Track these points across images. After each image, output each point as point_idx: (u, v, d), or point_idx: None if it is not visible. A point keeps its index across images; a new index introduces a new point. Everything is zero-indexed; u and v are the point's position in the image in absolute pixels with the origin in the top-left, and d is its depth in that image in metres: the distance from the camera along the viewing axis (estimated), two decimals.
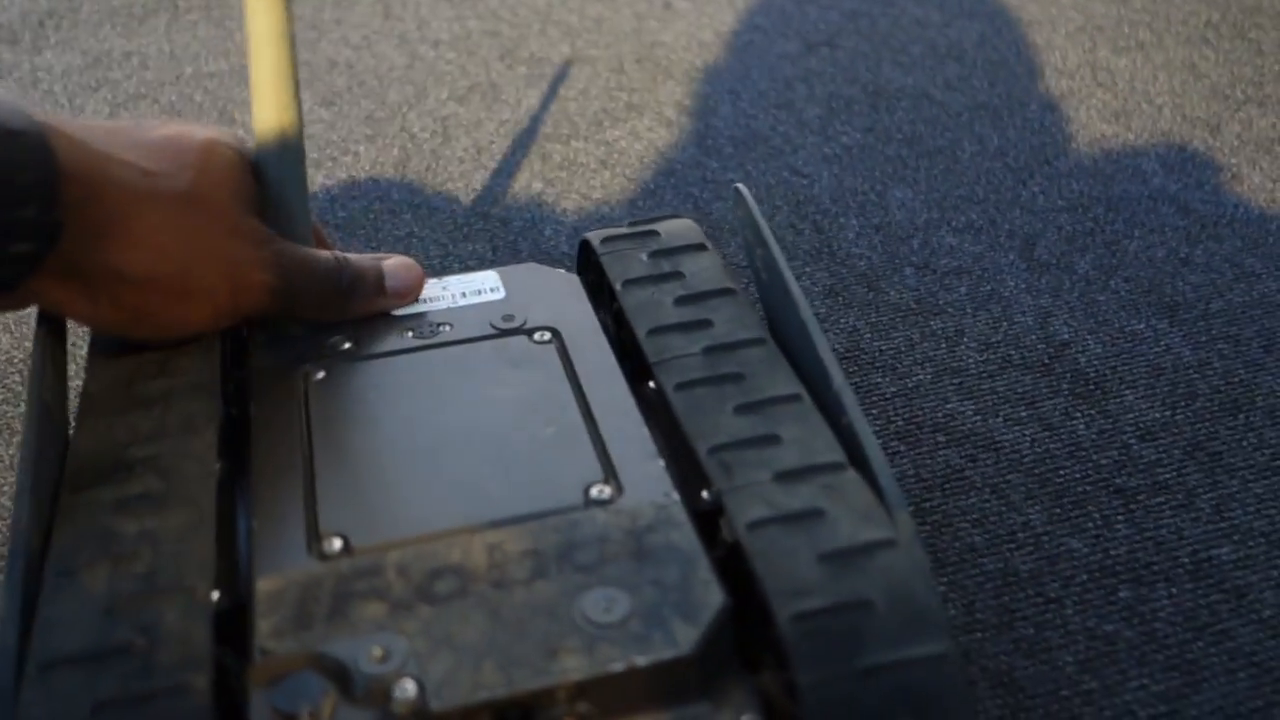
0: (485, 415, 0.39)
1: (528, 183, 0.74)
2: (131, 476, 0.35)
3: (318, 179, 0.74)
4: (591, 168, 0.75)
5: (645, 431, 0.38)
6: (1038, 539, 0.48)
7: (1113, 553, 0.47)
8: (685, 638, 0.30)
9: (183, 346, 0.40)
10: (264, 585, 0.32)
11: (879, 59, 0.90)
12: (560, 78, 0.87)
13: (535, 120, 0.81)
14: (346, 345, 0.42)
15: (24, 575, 0.31)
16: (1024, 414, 0.55)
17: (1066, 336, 0.60)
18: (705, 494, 0.35)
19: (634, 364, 0.42)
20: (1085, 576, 0.46)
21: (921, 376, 0.57)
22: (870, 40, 0.93)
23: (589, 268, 0.48)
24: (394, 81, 0.87)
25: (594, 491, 0.35)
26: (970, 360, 0.58)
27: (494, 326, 0.43)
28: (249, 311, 0.41)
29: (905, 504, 0.33)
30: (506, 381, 0.40)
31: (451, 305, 0.44)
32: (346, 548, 0.33)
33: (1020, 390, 0.56)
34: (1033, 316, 0.61)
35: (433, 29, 0.96)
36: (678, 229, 0.47)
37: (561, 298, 0.45)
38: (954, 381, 0.57)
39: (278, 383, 0.40)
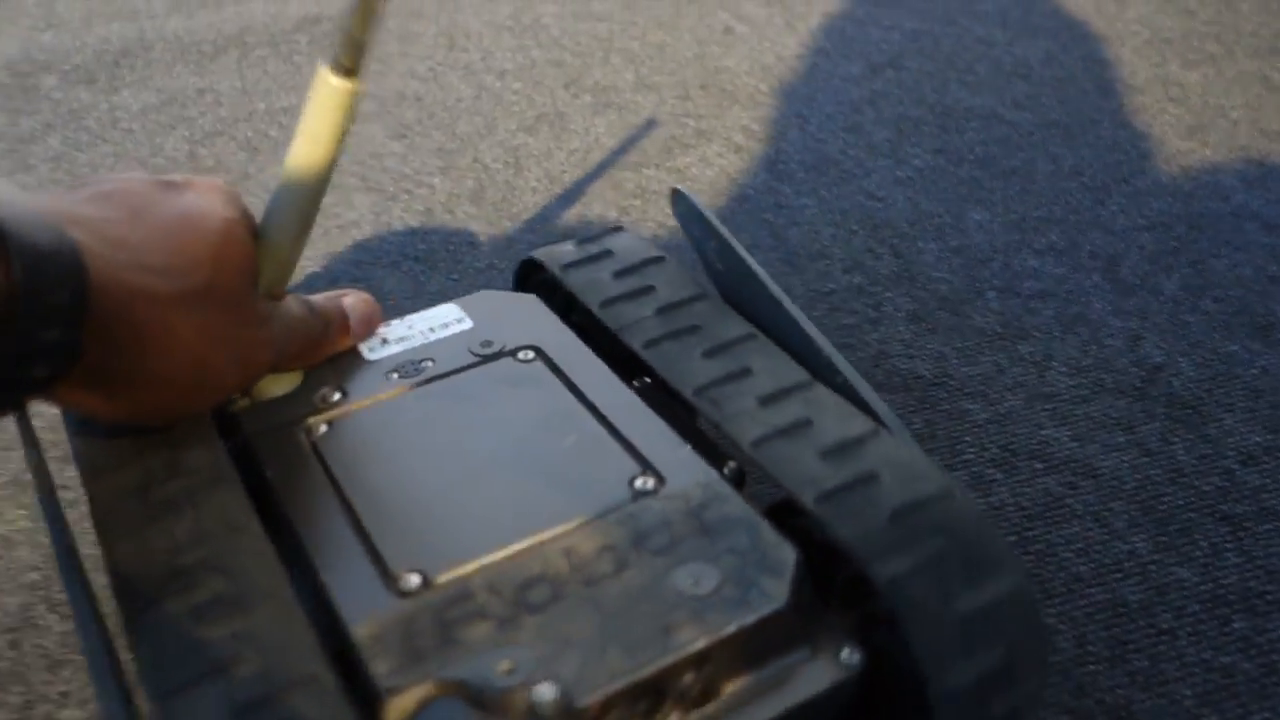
0: (503, 436, 0.40)
1: (603, 212, 0.74)
2: (195, 584, 0.33)
3: (395, 211, 0.75)
4: (665, 195, 0.76)
5: (662, 423, 0.40)
6: (1144, 568, 0.48)
7: (1224, 582, 0.47)
8: (777, 592, 0.33)
9: (181, 437, 0.39)
10: (361, 631, 0.32)
11: (945, 79, 0.90)
12: (626, 106, 0.88)
13: (604, 149, 0.82)
14: (337, 396, 0.42)
15: (124, 709, 0.29)
16: (1121, 439, 0.54)
17: (1159, 359, 0.59)
18: (726, 470, 0.38)
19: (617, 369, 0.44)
20: (1197, 607, 0.46)
21: (1013, 402, 0.57)
22: (934, 60, 0.93)
23: (537, 287, 0.49)
24: (463, 113, 0.88)
25: (638, 484, 0.37)
26: (1061, 385, 0.58)
27: (475, 354, 0.44)
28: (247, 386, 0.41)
29: (889, 408, 0.39)
30: (510, 402, 0.41)
31: (425, 341, 0.45)
32: (425, 582, 0.34)
33: (1115, 415, 0.55)
34: (1122, 339, 0.60)
35: (497, 59, 0.96)
36: (630, 244, 0.49)
37: (528, 318, 0.46)
38: (1047, 407, 0.56)
39: (281, 444, 0.40)
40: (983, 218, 0.72)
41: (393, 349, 0.44)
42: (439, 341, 0.45)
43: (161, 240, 0.36)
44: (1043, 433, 0.55)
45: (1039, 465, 0.53)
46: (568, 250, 0.49)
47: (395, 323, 0.46)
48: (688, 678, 0.32)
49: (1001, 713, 0.33)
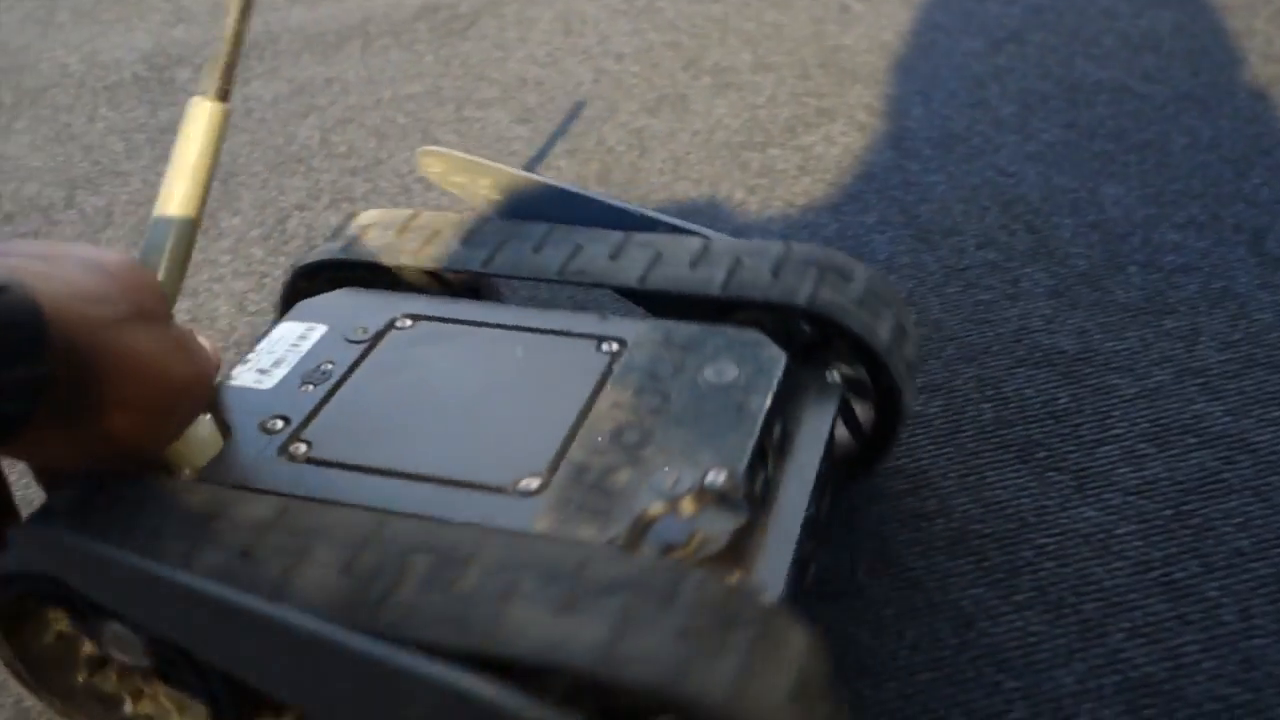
0: (466, 375, 0.43)
1: (730, 192, 0.75)
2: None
3: None
4: (791, 174, 0.76)
5: (567, 311, 0.49)
6: None
7: None
8: (776, 354, 0.42)
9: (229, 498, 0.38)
10: (542, 525, 0.35)
11: (1070, 53, 0.88)
12: (746, 86, 0.88)
13: (727, 129, 0.82)
14: (280, 424, 0.41)
15: None
16: (1278, 414, 0.53)
17: None
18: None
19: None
20: None
21: (1161, 377, 0.56)
22: (1058, 34, 0.91)
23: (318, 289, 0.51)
24: (584, 96, 0.89)
25: (604, 348, 0.44)
26: (1211, 360, 0.57)
27: (359, 341, 0.45)
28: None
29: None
30: (438, 355, 0.45)
31: (301, 354, 0.45)
32: (540, 479, 0.37)
33: (1270, 390, 0.54)
34: (1272, 314, 0.59)
35: (614, 43, 0.97)
36: (374, 219, 0.54)
37: (367, 300, 0.48)
38: (1197, 382, 0.55)
39: (282, 471, 0.39)
40: (1118, 192, 0.71)
41: (281, 370, 0.44)
42: (314, 349, 0.45)
43: (84, 274, 0.35)
44: (1194, 407, 0.54)
45: (1192, 440, 0.52)
46: (331, 246, 0.52)
47: (255, 354, 0.45)
48: (774, 429, 0.40)
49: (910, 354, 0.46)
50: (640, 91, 0.89)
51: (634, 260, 0.48)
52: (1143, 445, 0.52)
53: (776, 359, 0.42)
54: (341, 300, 0.49)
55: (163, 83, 0.98)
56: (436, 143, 0.85)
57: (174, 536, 0.35)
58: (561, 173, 0.79)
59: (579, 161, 0.80)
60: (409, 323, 0.46)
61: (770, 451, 0.40)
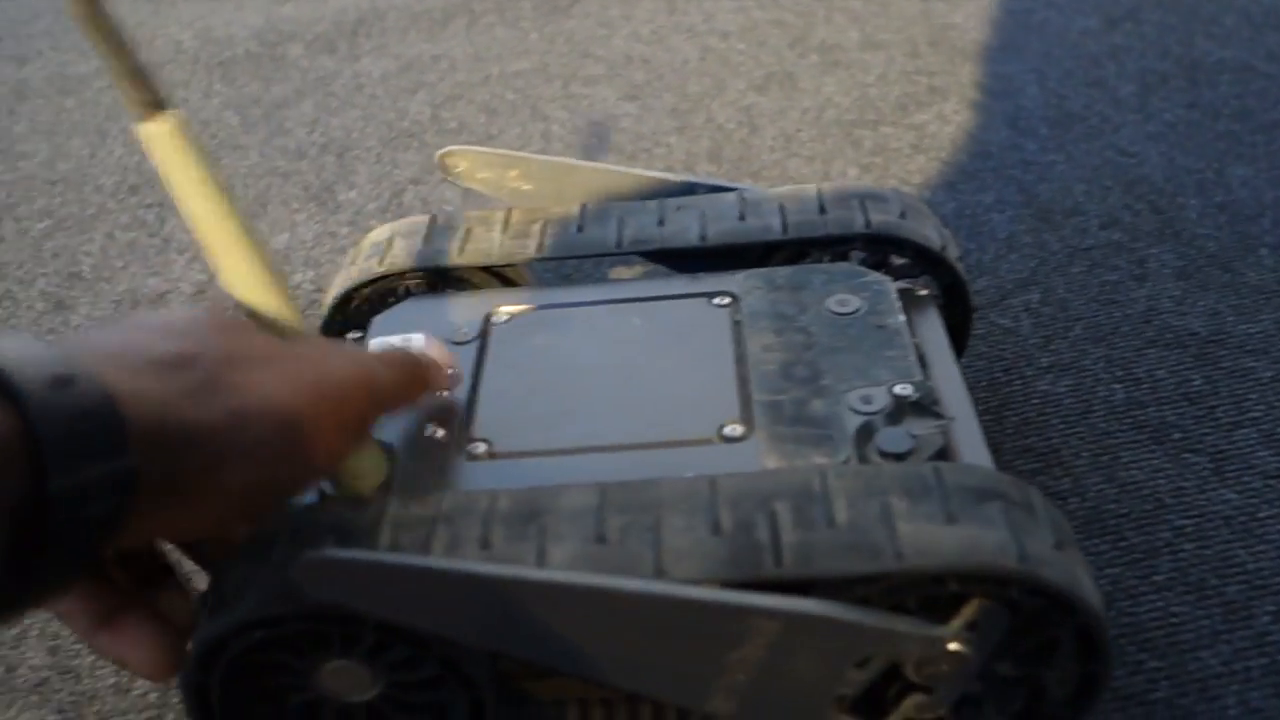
0: (604, 351, 0.44)
1: (844, 169, 0.74)
2: None
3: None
4: (905, 153, 0.76)
5: (662, 277, 0.49)
6: None
7: None
8: (883, 278, 0.44)
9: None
10: (771, 463, 0.37)
11: (1189, 31, 0.86)
12: (854, 64, 0.88)
13: (838, 107, 0.82)
14: (440, 432, 0.40)
15: None
16: None
17: None
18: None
19: None
20: None
21: None
22: (1176, 12, 0.89)
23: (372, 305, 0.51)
24: (691, 73, 0.89)
25: (717, 301, 0.45)
26: None
27: (462, 341, 0.45)
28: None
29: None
30: (560, 334, 0.45)
31: None
32: (739, 426, 0.38)
33: None
34: None
35: (719, 21, 0.97)
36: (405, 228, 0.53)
37: (448, 303, 0.48)
38: None
39: (468, 470, 0.39)
40: (1246, 173, 0.69)
41: None
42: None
43: (160, 341, 0.31)
44: None
45: None
46: (369, 265, 0.50)
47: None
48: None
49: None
50: (747, 69, 0.89)
51: (684, 222, 0.49)
52: None
53: (884, 282, 0.44)
54: (419, 308, 0.48)
55: (274, 59, 1.00)
56: (546, 119, 0.85)
57: (464, 539, 0.34)
58: (672, 150, 0.79)
59: (688, 139, 0.80)
60: (505, 317, 0.46)
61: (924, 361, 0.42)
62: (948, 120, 0.79)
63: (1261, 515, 0.47)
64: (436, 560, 0.32)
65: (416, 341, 0.44)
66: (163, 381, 0.29)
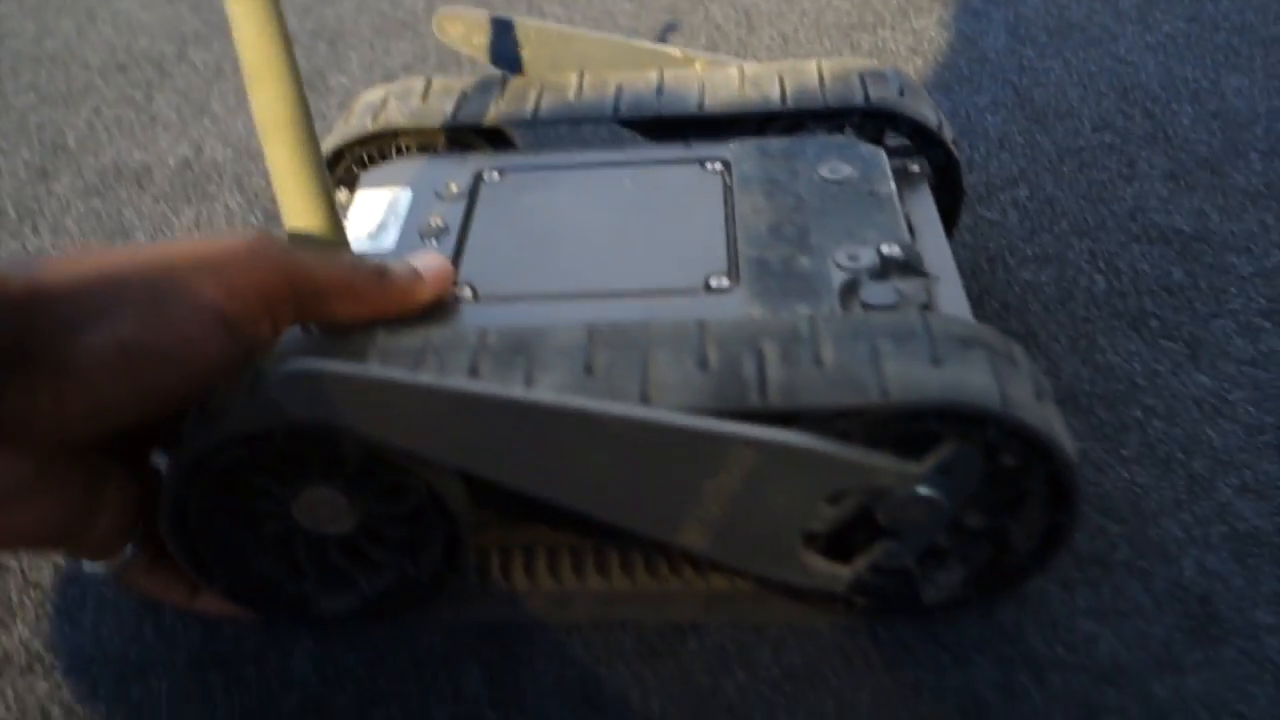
0: (596, 202, 0.44)
1: None
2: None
3: None
4: (902, 55, 0.75)
5: (650, 145, 0.49)
6: None
7: None
8: (877, 151, 0.45)
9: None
10: (757, 311, 0.37)
11: None
12: None
13: (837, 10, 0.81)
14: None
15: None
16: None
17: None
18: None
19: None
20: None
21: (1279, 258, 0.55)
22: None
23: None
24: None
25: (709, 167, 0.45)
26: None
27: (451, 197, 0.45)
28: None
29: None
30: (554, 189, 0.45)
31: (400, 218, 0.44)
32: (726, 277, 0.39)
33: None
34: None
35: None
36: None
37: (441, 162, 0.48)
38: None
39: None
40: (1242, 84, 0.69)
41: (392, 231, 0.43)
42: (412, 210, 0.44)
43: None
44: None
45: None
46: (363, 121, 0.51)
47: (350, 222, 0.44)
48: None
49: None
50: None
51: (682, 92, 0.50)
52: (1259, 320, 0.51)
53: (878, 152, 0.45)
54: (410, 166, 0.48)
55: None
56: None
57: (453, 368, 0.33)
58: None
59: (684, 37, 0.80)
60: (497, 176, 0.46)
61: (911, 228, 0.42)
62: (947, 26, 0.78)
63: (1232, 398, 0.47)
64: (419, 376, 0.32)
65: (403, 200, 0.44)
66: (13, 262, 0.30)
